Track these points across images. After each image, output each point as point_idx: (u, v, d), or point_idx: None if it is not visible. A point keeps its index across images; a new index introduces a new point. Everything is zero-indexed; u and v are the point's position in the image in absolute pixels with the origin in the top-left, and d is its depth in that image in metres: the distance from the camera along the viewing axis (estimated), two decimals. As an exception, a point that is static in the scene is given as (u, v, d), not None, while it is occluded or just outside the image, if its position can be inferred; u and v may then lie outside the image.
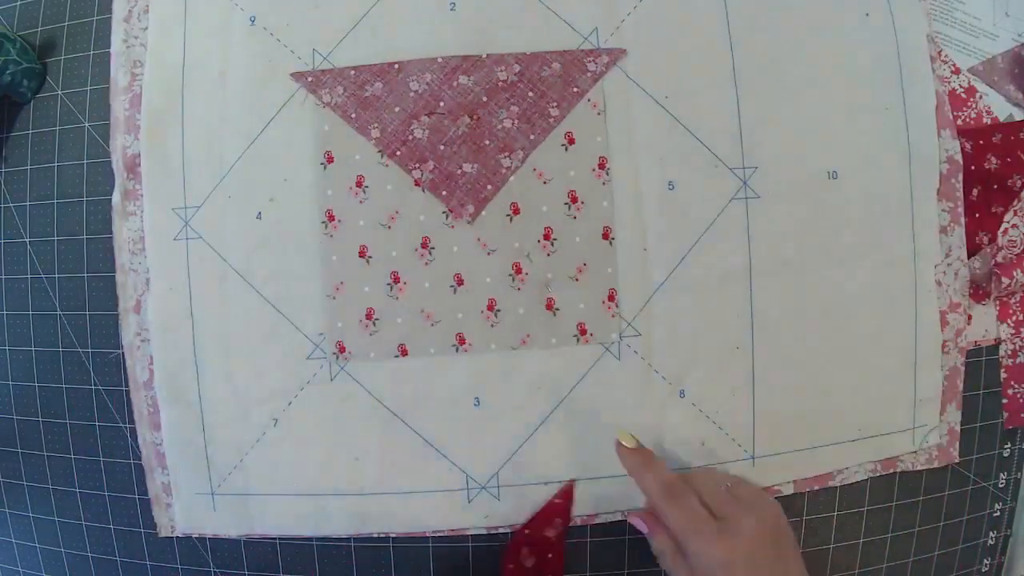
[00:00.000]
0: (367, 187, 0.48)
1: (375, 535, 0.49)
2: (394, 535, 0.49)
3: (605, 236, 0.48)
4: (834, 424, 0.49)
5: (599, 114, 0.49)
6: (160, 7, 0.50)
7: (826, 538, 0.50)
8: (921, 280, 0.50)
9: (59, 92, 0.52)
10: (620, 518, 0.48)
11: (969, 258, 0.50)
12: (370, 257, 0.48)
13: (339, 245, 0.48)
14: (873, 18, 0.50)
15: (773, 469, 0.49)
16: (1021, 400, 0.52)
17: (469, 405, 0.48)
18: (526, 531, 0.44)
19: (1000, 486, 0.53)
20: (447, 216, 0.48)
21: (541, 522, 0.48)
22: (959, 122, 0.51)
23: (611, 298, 0.48)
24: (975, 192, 0.51)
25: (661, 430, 0.48)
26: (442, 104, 0.48)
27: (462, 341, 0.48)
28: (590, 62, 0.49)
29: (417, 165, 0.48)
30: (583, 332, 0.48)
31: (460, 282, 0.48)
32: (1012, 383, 0.52)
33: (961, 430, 0.51)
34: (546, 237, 0.48)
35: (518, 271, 0.48)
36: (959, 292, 0.50)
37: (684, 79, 0.49)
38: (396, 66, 0.49)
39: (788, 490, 0.49)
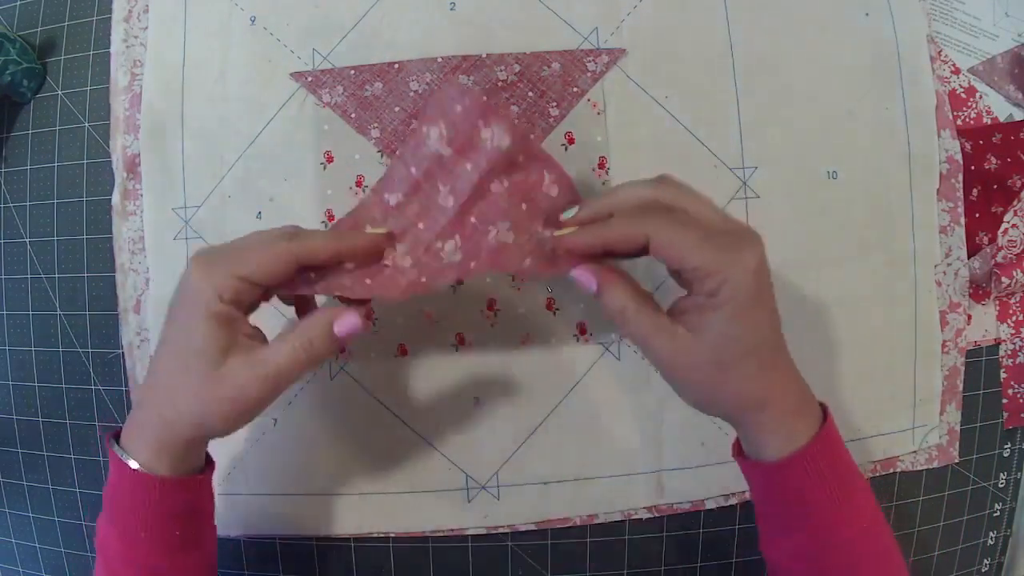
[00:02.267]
0: (367, 187, 0.48)
1: (375, 535, 0.49)
2: (394, 535, 0.49)
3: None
4: (834, 424, 0.49)
5: (599, 114, 0.49)
6: (160, 7, 0.50)
7: (826, 538, 0.50)
8: (921, 280, 0.50)
9: (59, 92, 0.52)
10: (620, 518, 0.48)
11: (969, 258, 0.51)
12: (370, 257, 0.48)
13: (339, 245, 0.48)
14: (873, 18, 0.50)
15: (773, 469, 0.49)
16: (1021, 400, 0.52)
17: (469, 405, 0.48)
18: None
19: (1000, 486, 0.53)
20: (447, 216, 0.48)
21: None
22: (959, 122, 0.51)
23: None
24: (975, 192, 0.51)
25: (661, 430, 0.48)
26: (442, 104, 0.48)
27: (462, 341, 0.48)
28: (590, 62, 0.49)
29: (417, 165, 0.48)
30: (583, 332, 0.48)
31: (460, 282, 0.48)
32: (1012, 383, 0.52)
33: (961, 430, 0.51)
34: (546, 237, 0.48)
35: (518, 271, 0.48)
36: (959, 292, 0.50)
37: (684, 79, 0.49)
38: (396, 66, 0.49)
39: (788, 490, 0.49)
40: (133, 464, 0.34)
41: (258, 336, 0.36)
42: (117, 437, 0.35)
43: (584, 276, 0.35)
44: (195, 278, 0.33)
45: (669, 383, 0.36)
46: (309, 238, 0.35)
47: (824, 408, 0.37)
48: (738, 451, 0.38)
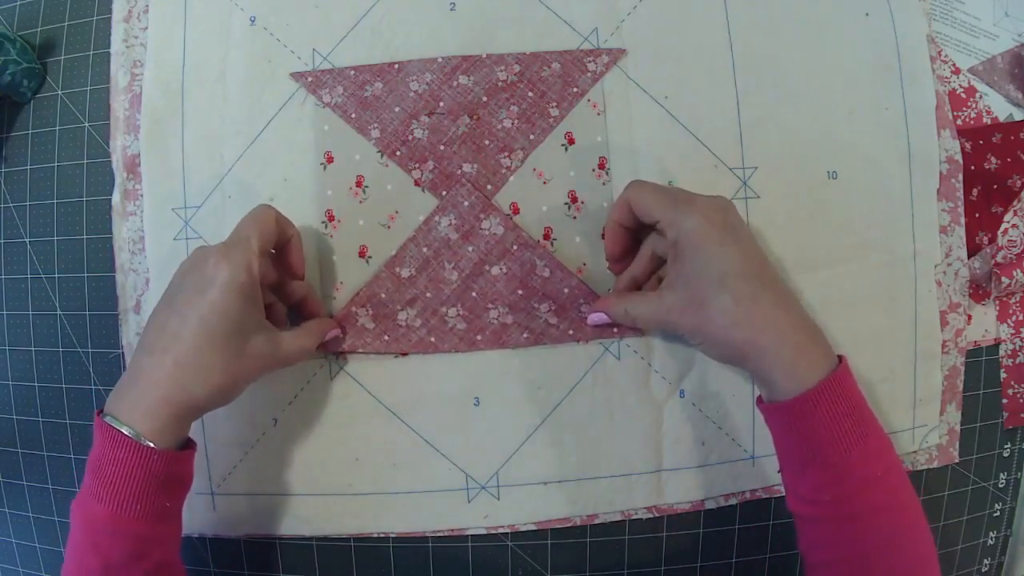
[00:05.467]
0: (367, 187, 0.48)
1: (375, 535, 0.49)
2: (394, 535, 0.49)
3: (605, 236, 0.48)
4: (834, 424, 0.49)
5: (599, 114, 0.49)
6: (160, 7, 0.50)
7: (826, 538, 0.50)
8: (921, 280, 0.50)
9: (59, 92, 0.52)
10: (620, 518, 0.48)
11: (969, 258, 0.51)
12: (370, 257, 0.48)
13: (339, 245, 0.48)
14: (873, 18, 0.50)
15: (773, 469, 0.49)
16: (1021, 400, 0.52)
17: (469, 405, 0.48)
18: None
19: (1000, 486, 0.53)
20: (447, 216, 0.48)
21: None
22: (959, 122, 0.51)
23: (611, 298, 0.48)
24: (975, 192, 0.51)
25: (661, 430, 0.48)
26: (442, 104, 0.48)
27: (462, 341, 0.48)
28: (590, 62, 0.49)
29: (417, 165, 0.48)
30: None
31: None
32: (1012, 383, 0.52)
33: (961, 430, 0.51)
34: (546, 237, 0.48)
35: (518, 271, 0.48)
36: (959, 292, 0.50)
37: (684, 79, 0.49)
38: (396, 66, 0.49)
39: (788, 490, 0.49)
40: (145, 442, 0.36)
41: (267, 313, 0.42)
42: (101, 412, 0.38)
43: (598, 319, 0.46)
44: (222, 261, 0.37)
45: (694, 345, 0.42)
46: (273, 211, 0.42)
47: (841, 358, 0.40)
48: (760, 401, 0.42)
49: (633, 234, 0.45)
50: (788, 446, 0.40)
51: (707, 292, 0.39)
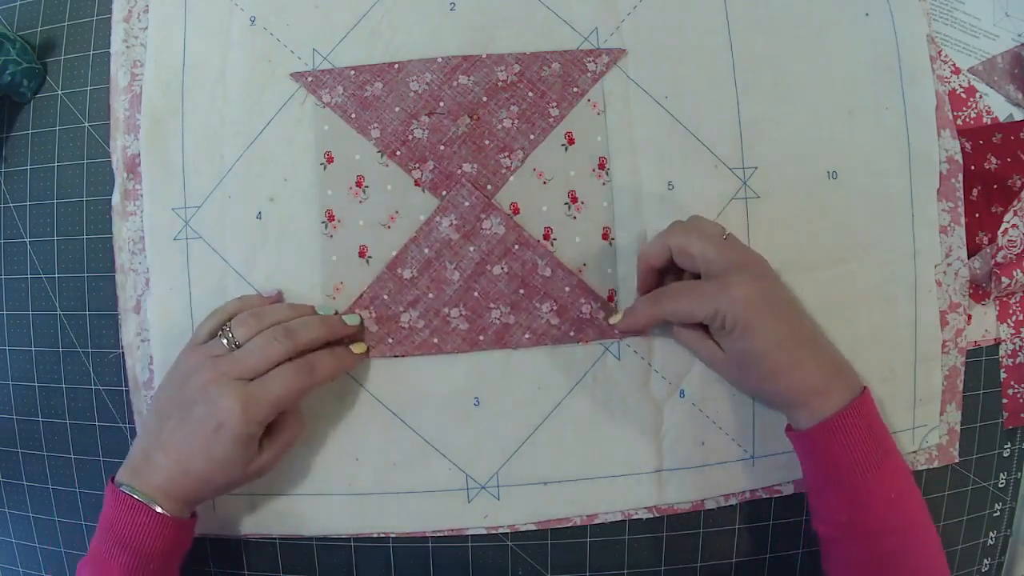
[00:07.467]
0: (367, 187, 0.48)
1: (375, 535, 0.49)
2: (394, 535, 0.49)
3: (605, 236, 0.48)
4: (834, 424, 0.49)
5: (599, 114, 0.49)
6: (160, 7, 0.50)
7: (826, 538, 0.50)
8: (921, 280, 0.50)
9: (59, 92, 0.52)
10: (620, 518, 0.48)
11: (969, 258, 0.51)
12: (370, 257, 0.48)
13: (339, 245, 0.48)
14: (873, 18, 0.50)
15: (773, 469, 0.49)
16: (1021, 400, 0.52)
17: (469, 405, 0.48)
18: None
19: (1000, 486, 0.53)
20: (447, 216, 0.48)
21: None
22: (959, 122, 0.51)
23: (611, 298, 0.48)
24: (975, 192, 0.51)
25: (661, 430, 0.48)
26: (442, 104, 0.48)
27: (462, 341, 0.48)
28: (590, 62, 0.49)
29: (417, 165, 0.48)
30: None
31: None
32: (1012, 383, 0.52)
33: (961, 430, 0.51)
34: (546, 237, 0.48)
35: (518, 271, 0.48)
36: (959, 292, 0.50)
37: (684, 79, 0.49)
38: (396, 66, 0.49)
39: (788, 490, 0.49)
40: (160, 510, 0.40)
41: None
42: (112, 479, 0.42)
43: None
44: (240, 415, 0.39)
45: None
46: (321, 369, 0.43)
47: (864, 389, 0.42)
48: (788, 429, 0.44)
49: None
50: (810, 470, 0.43)
51: (749, 359, 0.42)
